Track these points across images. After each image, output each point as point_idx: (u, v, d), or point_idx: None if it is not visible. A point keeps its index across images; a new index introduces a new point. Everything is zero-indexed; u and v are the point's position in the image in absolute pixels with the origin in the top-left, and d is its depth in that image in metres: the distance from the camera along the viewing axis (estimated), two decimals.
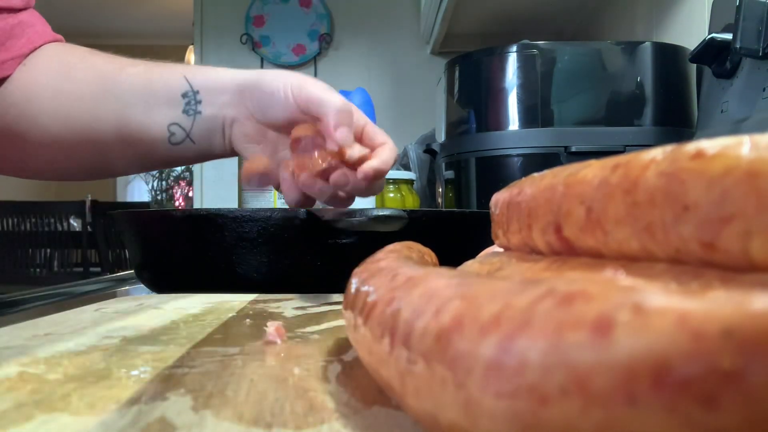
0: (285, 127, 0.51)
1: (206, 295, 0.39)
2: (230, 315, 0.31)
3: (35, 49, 0.54)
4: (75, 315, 0.32)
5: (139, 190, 5.07)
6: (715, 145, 0.12)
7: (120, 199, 5.02)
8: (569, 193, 0.16)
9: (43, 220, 2.96)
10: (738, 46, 0.60)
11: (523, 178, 0.20)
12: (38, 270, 3.04)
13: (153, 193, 4.71)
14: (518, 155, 0.87)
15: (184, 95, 0.52)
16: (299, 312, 0.32)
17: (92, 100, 0.52)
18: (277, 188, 0.54)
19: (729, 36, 0.64)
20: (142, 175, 4.63)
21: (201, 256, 0.44)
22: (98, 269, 3.06)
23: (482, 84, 0.91)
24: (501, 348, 0.09)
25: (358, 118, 0.50)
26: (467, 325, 0.11)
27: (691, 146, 0.12)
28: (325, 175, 0.46)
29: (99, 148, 0.54)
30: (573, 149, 0.83)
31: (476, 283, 0.12)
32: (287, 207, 0.49)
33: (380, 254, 0.19)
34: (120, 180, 5.10)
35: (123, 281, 0.68)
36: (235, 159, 0.58)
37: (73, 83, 0.53)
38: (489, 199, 0.23)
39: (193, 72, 0.53)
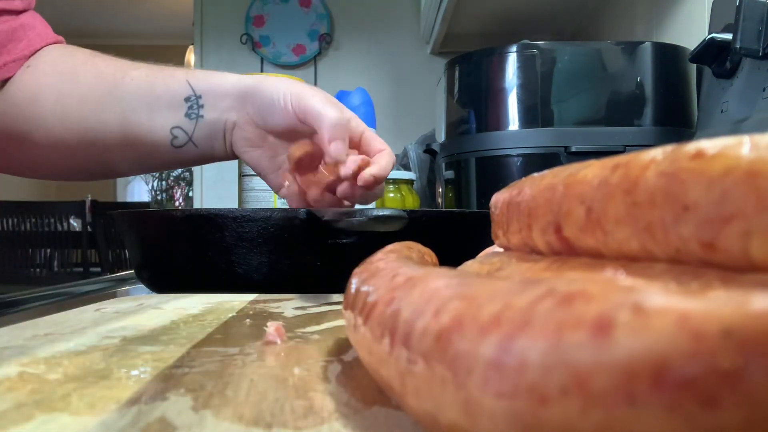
0: (285, 134, 0.52)
1: (206, 295, 0.39)
2: (230, 315, 0.31)
3: (36, 51, 0.55)
4: (75, 315, 0.32)
5: (139, 190, 5.07)
6: (715, 145, 0.12)
7: (120, 199, 5.03)
8: (569, 193, 0.16)
9: (43, 220, 2.96)
10: (738, 46, 0.60)
11: (523, 178, 0.20)
12: (38, 270, 3.04)
13: (153, 193, 4.71)
14: (518, 155, 0.87)
15: (187, 99, 0.53)
16: (299, 312, 0.32)
17: (96, 102, 0.53)
18: (277, 191, 0.55)
19: (729, 36, 0.64)
20: (142, 175, 4.63)
21: (201, 256, 0.44)
22: (98, 269, 3.07)
23: (482, 84, 0.91)
24: (501, 348, 0.09)
25: (357, 125, 0.52)
26: (467, 325, 0.11)
27: (691, 146, 0.12)
28: (331, 188, 0.48)
29: (102, 150, 0.54)
30: (573, 149, 0.83)
31: (476, 283, 0.12)
32: (287, 207, 0.50)
33: (380, 254, 0.19)
34: (120, 180, 5.10)
35: (123, 281, 0.68)
36: (235, 160, 0.58)
37: (77, 86, 0.53)
38: (489, 199, 0.23)
39: (195, 76, 0.54)
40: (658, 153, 0.13)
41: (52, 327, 0.28)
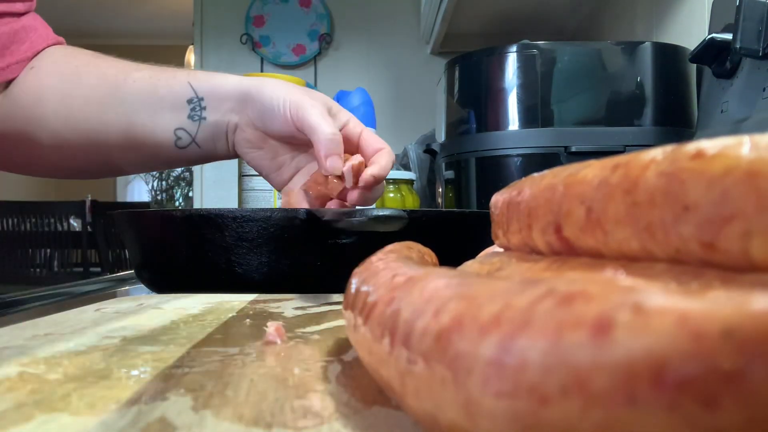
0: (284, 138, 0.53)
1: (206, 295, 0.39)
2: (230, 315, 0.31)
3: (38, 52, 0.55)
4: (75, 315, 0.32)
5: (139, 190, 5.07)
6: (715, 145, 0.12)
7: (120, 199, 5.03)
8: (569, 193, 0.16)
9: (43, 220, 2.96)
10: (738, 46, 0.60)
11: (523, 178, 0.20)
12: (38, 270, 3.04)
13: (153, 193, 4.71)
14: (518, 155, 0.87)
15: (189, 101, 0.53)
16: (299, 312, 0.32)
17: (99, 104, 0.53)
18: (278, 189, 0.56)
19: (729, 36, 0.64)
20: (142, 175, 4.63)
21: (201, 256, 0.44)
22: (98, 269, 3.07)
23: (482, 84, 0.91)
24: (501, 348, 0.09)
25: (355, 126, 0.52)
26: (467, 325, 0.11)
27: (691, 146, 0.12)
28: (342, 196, 0.50)
29: (106, 150, 0.55)
30: (573, 149, 0.83)
31: (476, 283, 0.12)
32: (287, 207, 0.50)
33: (380, 254, 0.19)
34: (120, 180, 5.10)
35: (123, 281, 0.68)
36: (235, 159, 0.58)
37: (80, 87, 0.54)
38: (489, 199, 0.23)
39: (197, 78, 0.54)
40: (658, 153, 0.13)
41: (52, 327, 0.28)
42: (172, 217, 0.47)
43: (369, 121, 1.06)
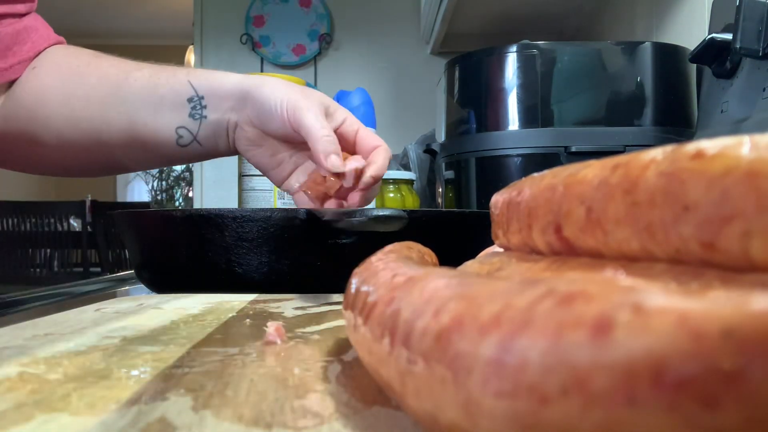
0: (282, 137, 0.53)
1: (206, 295, 0.39)
2: (230, 315, 0.31)
3: (40, 52, 0.55)
4: (75, 315, 0.32)
5: (139, 190, 5.07)
6: (715, 145, 0.12)
7: (120, 199, 5.03)
8: (569, 193, 0.16)
9: (43, 220, 2.96)
10: (738, 46, 0.60)
11: (523, 178, 0.20)
12: (38, 270, 3.04)
13: (153, 193, 4.71)
14: (518, 155, 0.87)
15: (190, 100, 0.54)
16: (299, 312, 0.32)
17: (101, 103, 0.54)
18: (278, 186, 0.56)
19: (729, 36, 0.64)
20: (142, 175, 4.64)
21: (201, 256, 0.44)
22: (98, 269, 3.07)
23: (482, 84, 0.91)
24: (501, 348, 0.09)
25: (351, 124, 0.53)
26: (467, 325, 0.11)
27: (691, 146, 0.12)
28: (340, 194, 0.50)
29: (108, 149, 0.56)
30: (573, 149, 0.83)
31: (476, 283, 0.12)
32: (287, 207, 0.50)
33: (380, 254, 0.19)
34: (120, 180, 5.11)
35: (123, 281, 0.68)
36: (236, 159, 0.59)
37: (82, 87, 0.54)
38: (489, 199, 0.23)
39: (197, 76, 0.54)
40: (658, 153, 0.13)
41: (52, 327, 0.28)
42: (172, 217, 0.47)
43: (369, 121, 1.06)
